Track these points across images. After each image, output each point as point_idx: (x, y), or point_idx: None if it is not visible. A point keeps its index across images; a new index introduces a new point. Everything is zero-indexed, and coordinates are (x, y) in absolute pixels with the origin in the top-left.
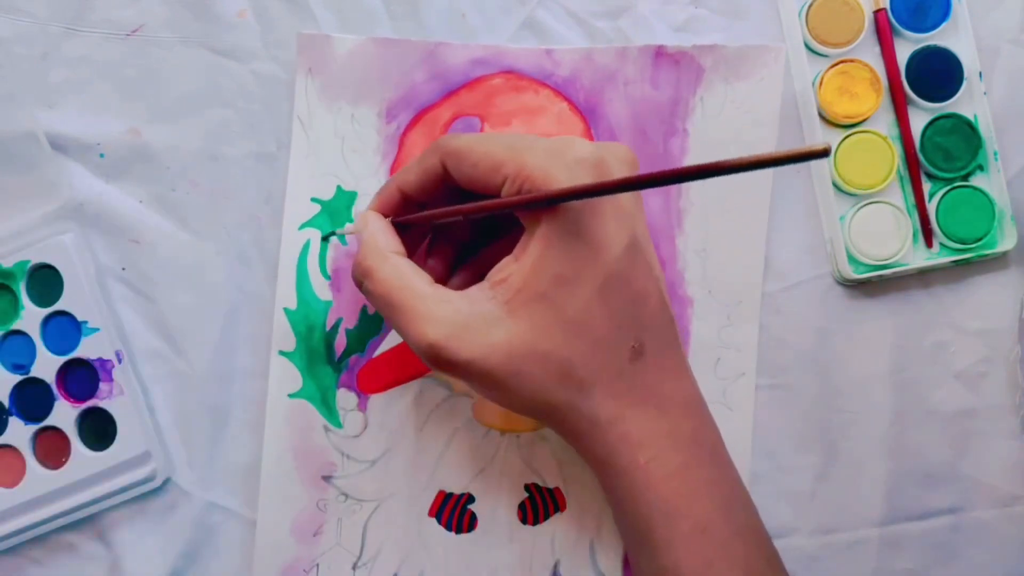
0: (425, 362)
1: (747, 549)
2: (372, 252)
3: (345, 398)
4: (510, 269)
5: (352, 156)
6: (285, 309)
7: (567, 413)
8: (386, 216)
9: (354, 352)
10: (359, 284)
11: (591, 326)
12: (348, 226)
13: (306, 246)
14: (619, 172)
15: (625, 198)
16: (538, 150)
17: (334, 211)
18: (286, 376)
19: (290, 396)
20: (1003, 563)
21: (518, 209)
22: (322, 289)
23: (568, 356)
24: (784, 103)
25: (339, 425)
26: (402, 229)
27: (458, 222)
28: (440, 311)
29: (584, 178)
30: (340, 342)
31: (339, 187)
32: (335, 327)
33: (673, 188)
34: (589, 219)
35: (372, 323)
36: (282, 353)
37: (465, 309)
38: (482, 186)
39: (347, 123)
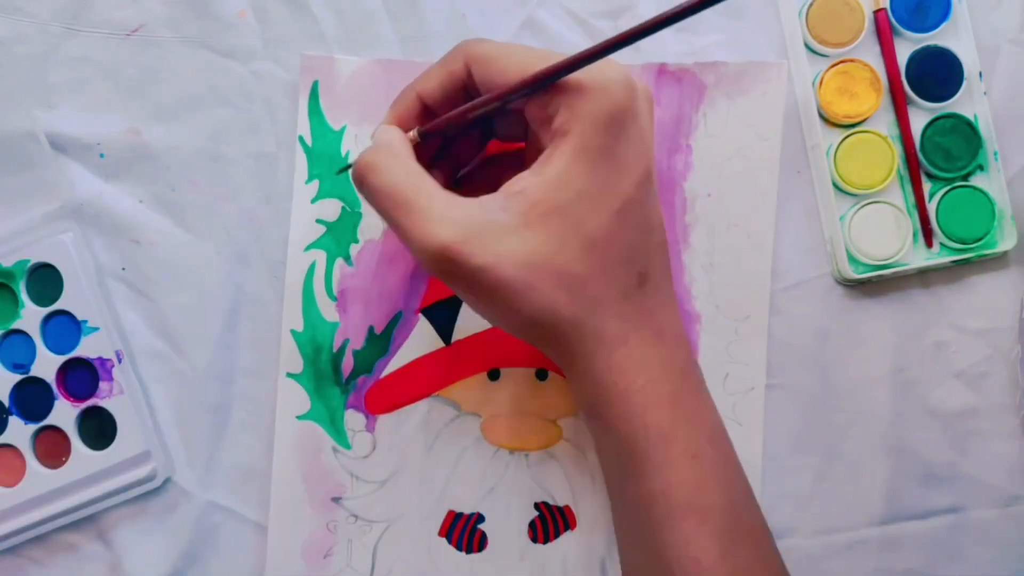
0: (429, 268)
1: (731, 477)
2: (382, 149)
3: (353, 419)
4: (527, 182)
5: None
6: (292, 331)
7: (571, 331)
8: (406, 129)
9: (361, 373)
10: (360, 181)
11: (607, 246)
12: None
13: (312, 268)
14: (644, 102)
15: (647, 130)
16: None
17: (339, 232)
18: (294, 398)
19: (298, 418)
20: (1003, 563)
21: (535, 92)
22: (328, 310)
23: (582, 272)
24: (784, 103)
25: (348, 446)
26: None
27: (466, 136)
28: (453, 212)
29: (618, 94)
30: (347, 363)
31: (344, 208)
32: (342, 348)
33: (678, 204)
34: (615, 141)
35: (379, 343)
36: (290, 375)
37: (479, 215)
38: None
39: (351, 144)
